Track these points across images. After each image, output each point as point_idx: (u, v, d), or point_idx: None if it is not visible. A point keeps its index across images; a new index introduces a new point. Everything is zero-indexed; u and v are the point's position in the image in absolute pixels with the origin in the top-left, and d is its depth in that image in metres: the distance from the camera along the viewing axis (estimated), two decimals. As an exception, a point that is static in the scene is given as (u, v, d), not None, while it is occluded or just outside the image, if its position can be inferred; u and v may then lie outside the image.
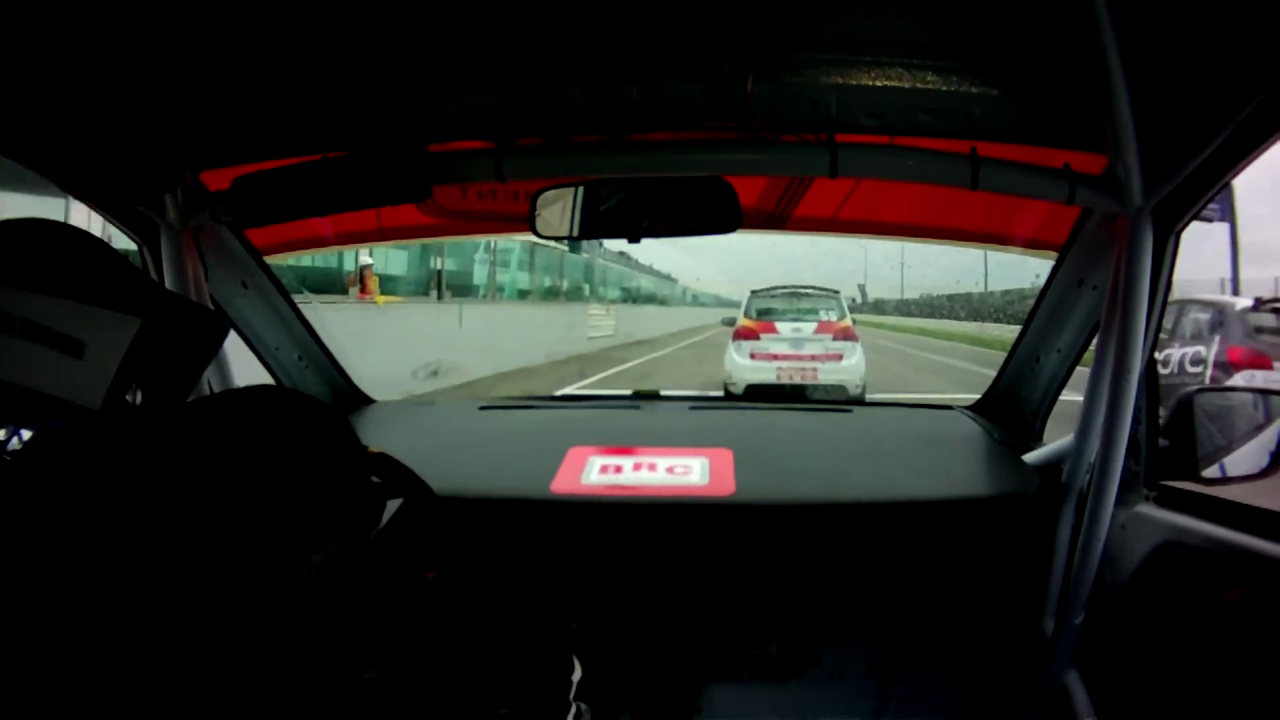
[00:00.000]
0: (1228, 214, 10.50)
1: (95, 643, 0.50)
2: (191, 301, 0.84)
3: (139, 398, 0.64)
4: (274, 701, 0.57)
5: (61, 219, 0.66)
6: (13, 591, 0.50)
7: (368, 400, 1.72)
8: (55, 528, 0.52)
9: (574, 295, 17.89)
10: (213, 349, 0.78)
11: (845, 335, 8.24)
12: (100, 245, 0.65)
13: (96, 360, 0.58)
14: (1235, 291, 9.66)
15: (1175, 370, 6.51)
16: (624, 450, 1.43)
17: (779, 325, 8.29)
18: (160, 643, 0.51)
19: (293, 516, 0.58)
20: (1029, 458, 1.38)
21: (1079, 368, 1.39)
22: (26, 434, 0.60)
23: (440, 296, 11.30)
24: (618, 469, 1.38)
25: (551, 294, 16.55)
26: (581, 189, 1.23)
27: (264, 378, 1.54)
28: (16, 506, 0.53)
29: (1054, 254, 1.35)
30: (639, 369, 12.12)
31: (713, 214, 1.19)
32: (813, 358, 8.09)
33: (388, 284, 10.50)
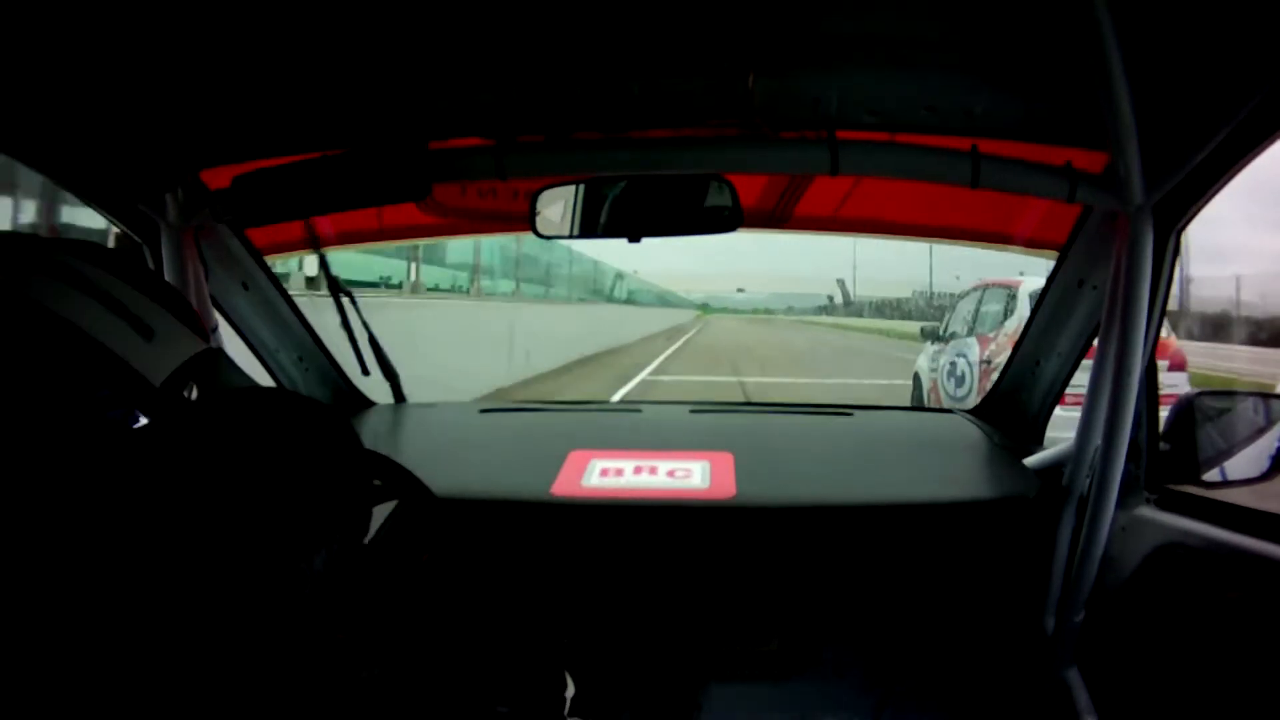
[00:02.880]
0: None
1: (100, 642, 0.50)
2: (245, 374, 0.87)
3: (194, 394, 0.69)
4: (275, 701, 0.57)
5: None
6: (15, 588, 0.50)
7: (368, 402, 1.72)
8: (59, 526, 0.52)
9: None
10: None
11: (1178, 364, 5.16)
12: (175, 290, 0.71)
13: (162, 348, 0.64)
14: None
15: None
16: (625, 453, 1.43)
17: None
18: (163, 642, 0.51)
19: (294, 517, 0.58)
20: (1029, 461, 1.37)
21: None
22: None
23: None
24: (618, 472, 1.37)
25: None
26: (582, 187, 1.23)
27: (264, 378, 1.54)
28: (20, 504, 0.53)
29: (1055, 253, 1.35)
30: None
31: (713, 212, 1.19)
32: None
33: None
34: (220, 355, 0.71)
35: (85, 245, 0.65)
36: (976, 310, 5.85)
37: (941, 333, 6.35)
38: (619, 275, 23.88)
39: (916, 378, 6.79)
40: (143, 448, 0.59)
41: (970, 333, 5.73)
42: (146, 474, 0.56)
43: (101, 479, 0.55)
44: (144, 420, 0.64)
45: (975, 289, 6.10)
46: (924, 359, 6.64)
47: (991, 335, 5.36)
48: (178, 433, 0.60)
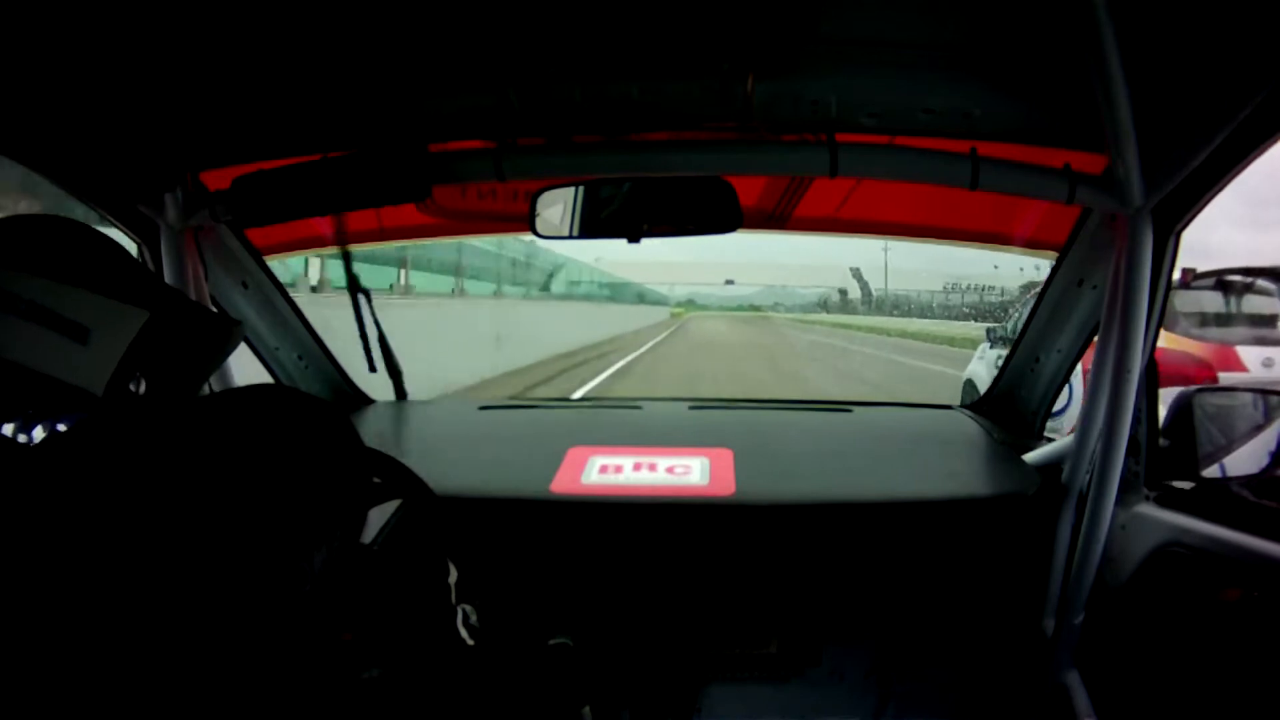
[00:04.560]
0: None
1: (101, 641, 0.50)
2: (203, 306, 0.85)
3: (143, 388, 0.64)
4: (275, 701, 0.57)
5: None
6: (16, 586, 0.50)
7: (368, 400, 1.72)
8: (61, 523, 0.52)
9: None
10: (222, 350, 0.78)
11: None
12: (113, 244, 0.66)
13: (100, 347, 0.58)
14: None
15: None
16: (624, 450, 1.43)
17: (1244, 355, 4.05)
18: (163, 642, 0.51)
19: (295, 515, 0.58)
20: (1029, 457, 1.38)
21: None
22: (39, 430, 0.60)
23: None
24: (618, 469, 1.38)
25: None
26: (581, 189, 1.23)
27: (264, 378, 1.54)
28: (24, 501, 0.53)
29: (1054, 254, 1.35)
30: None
31: (713, 214, 1.20)
32: None
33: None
34: (170, 310, 0.64)
35: None
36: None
37: (1010, 335, 5.58)
38: (559, 265, 17.42)
39: (970, 385, 6.20)
40: (79, 452, 0.55)
41: None
42: (95, 476, 0.53)
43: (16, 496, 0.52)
44: (61, 424, 0.58)
45: None
46: (981, 365, 6.05)
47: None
48: (133, 432, 0.57)
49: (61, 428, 0.60)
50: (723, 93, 1.08)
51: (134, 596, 0.51)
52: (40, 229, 0.63)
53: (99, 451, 0.56)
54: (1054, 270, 1.36)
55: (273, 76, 1.06)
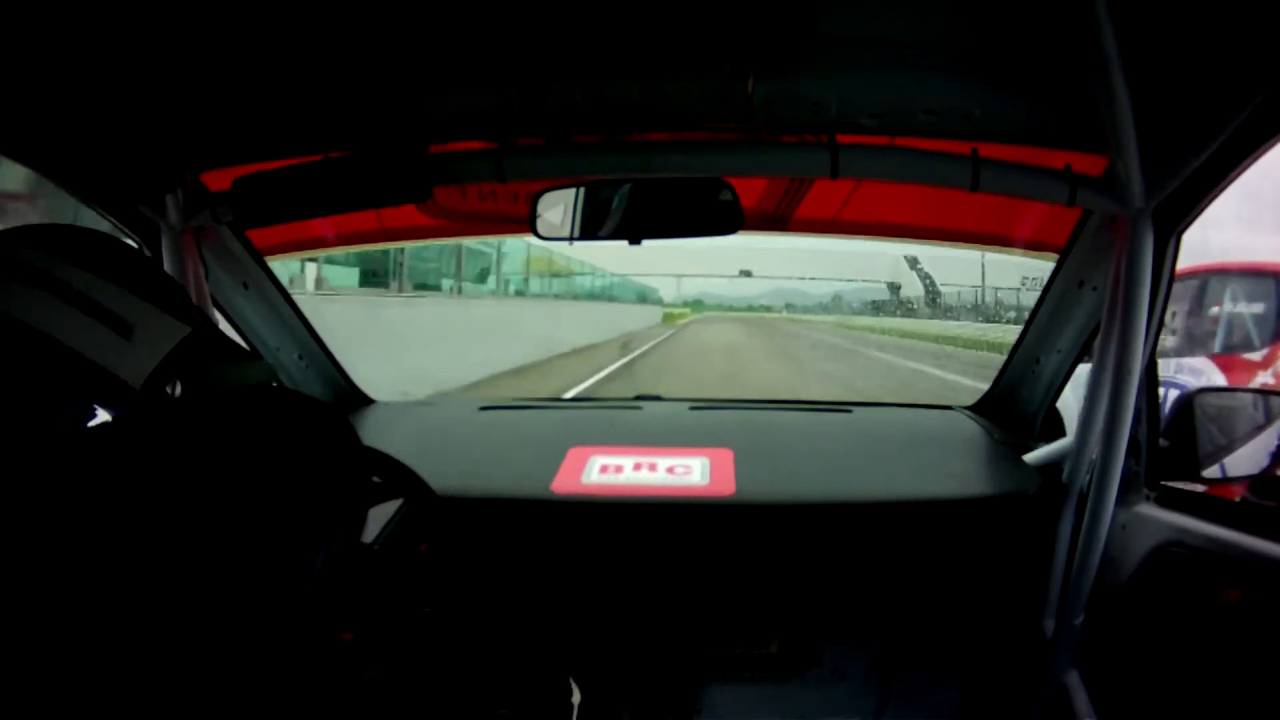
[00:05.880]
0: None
1: (102, 641, 0.50)
2: (235, 344, 0.84)
3: (178, 390, 0.65)
4: (276, 701, 0.57)
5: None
6: (18, 585, 0.50)
7: (368, 400, 1.72)
8: (61, 523, 0.52)
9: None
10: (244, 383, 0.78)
11: None
12: (156, 263, 0.66)
13: (143, 344, 0.59)
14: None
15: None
16: (624, 450, 1.44)
17: None
18: (164, 643, 0.51)
19: (295, 516, 0.59)
20: (1029, 458, 1.38)
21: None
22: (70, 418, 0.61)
23: None
24: (618, 469, 1.38)
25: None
26: (582, 190, 1.23)
27: None
28: (24, 500, 0.53)
29: (1055, 255, 1.35)
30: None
31: (714, 215, 1.20)
32: None
33: None
34: (208, 334, 0.66)
35: (50, 235, 0.61)
36: (1199, 310, 3.61)
37: None
38: (499, 252, 13.15)
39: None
40: (110, 447, 0.56)
41: (1196, 349, 3.41)
42: (120, 472, 0.54)
43: (51, 486, 0.52)
44: (102, 416, 0.58)
45: (1188, 277, 3.69)
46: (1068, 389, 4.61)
47: (1261, 355, 3.09)
48: (163, 431, 0.57)
49: (105, 418, 0.60)
50: (723, 93, 1.08)
51: (135, 597, 0.51)
52: (89, 236, 0.64)
53: (100, 450, 0.56)
54: (1055, 272, 1.36)
55: (273, 77, 1.06)
